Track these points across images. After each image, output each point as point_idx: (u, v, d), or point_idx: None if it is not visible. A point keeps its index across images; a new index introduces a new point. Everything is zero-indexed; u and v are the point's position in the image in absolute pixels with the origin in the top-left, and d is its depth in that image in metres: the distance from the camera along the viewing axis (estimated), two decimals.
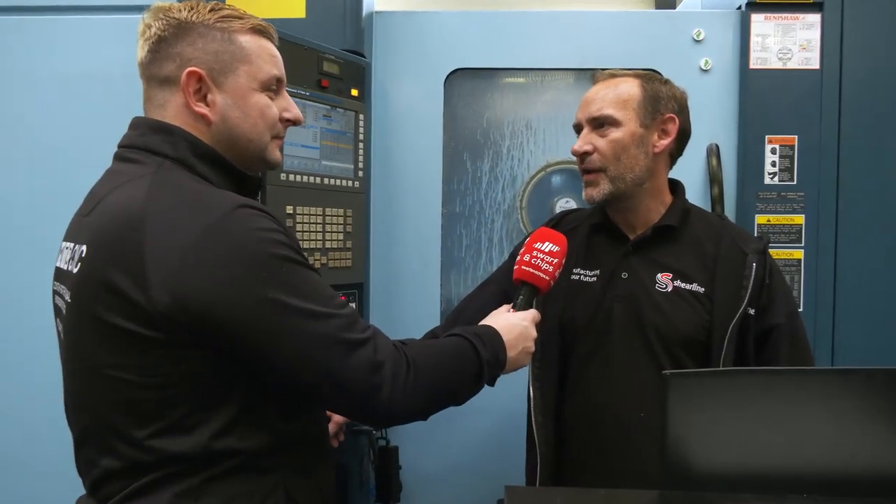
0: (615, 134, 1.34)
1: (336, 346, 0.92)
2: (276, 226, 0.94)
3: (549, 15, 1.95)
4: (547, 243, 1.24)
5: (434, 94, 1.94)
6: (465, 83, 2.00)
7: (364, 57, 1.84)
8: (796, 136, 1.84)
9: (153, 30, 1.00)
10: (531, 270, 1.23)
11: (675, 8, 5.37)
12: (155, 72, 1.01)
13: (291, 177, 1.60)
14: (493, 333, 1.13)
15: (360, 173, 1.79)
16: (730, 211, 1.86)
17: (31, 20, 1.78)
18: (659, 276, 1.34)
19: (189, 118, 1.00)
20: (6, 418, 1.75)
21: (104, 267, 0.90)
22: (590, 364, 1.37)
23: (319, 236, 1.66)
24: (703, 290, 1.32)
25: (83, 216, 1.01)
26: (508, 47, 1.93)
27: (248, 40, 1.01)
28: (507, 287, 1.45)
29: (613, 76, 1.39)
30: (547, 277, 1.23)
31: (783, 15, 1.85)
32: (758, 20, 1.86)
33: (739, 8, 1.89)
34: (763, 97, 1.85)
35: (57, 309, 1.05)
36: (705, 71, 1.90)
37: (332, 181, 1.71)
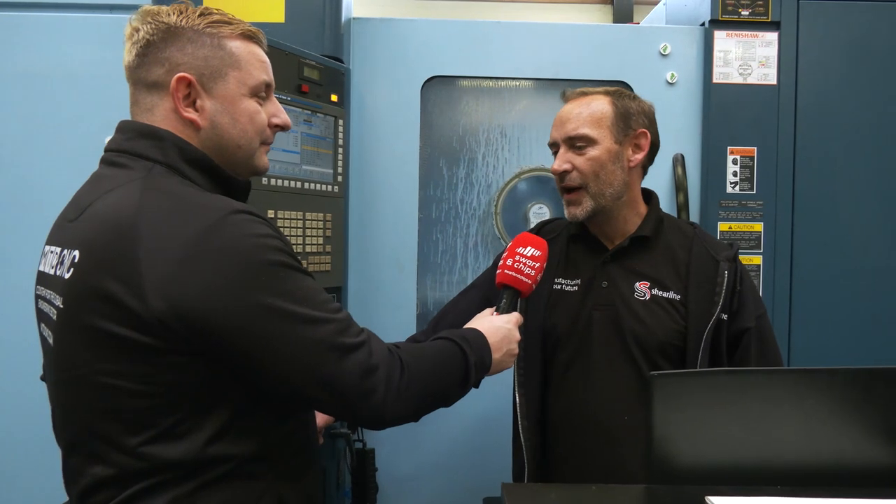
0: (592, 152, 1.38)
1: (331, 350, 0.93)
2: (272, 231, 0.94)
3: (524, 26, 2.00)
4: (529, 248, 1.29)
5: (411, 100, 1.97)
6: (441, 90, 2.04)
7: (343, 63, 1.86)
8: (756, 148, 1.94)
9: (141, 33, 0.99)
10: (514, 274, 1.27)
11: (632, 21, 5.54)
12: (143, 76, 1.00)
13: (273, 181, 1.60)
14: (478, 336, 1.15)
15: (340, 178, 1.81)
16: (694, 218, 1.94)
17: None
18: (637, 284, 1.40)
19: (178, 123, 0.99)
20: None
21: (98, 274, 0.88)
22: (572, 370, 1.41)
23: (300, 240, 1.67)
24: (678, 297, 1.38)
25: (69, 220, 0.99)
26: (484, 56, 1.98)
27: (237, 46, 1.01)
28: (489, 292, 1.48)
29: (584, 94, 1.43)
30: (529, 281, 1.27)
31: (743, 32, 1.95)
32: (720, 37, 1.96)
33: (703, 24, 1.98)
34: (725, 110, 1.94)
35: (42, 314, 1.02)
36: (671, 84, 1.98)
37: (313, 186, 1.72)
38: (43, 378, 1.18)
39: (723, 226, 1.94)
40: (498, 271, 1.30)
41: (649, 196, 1.50)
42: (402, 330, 1.88)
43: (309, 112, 1.71)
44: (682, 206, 1.91)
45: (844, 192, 1.93)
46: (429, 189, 2.04)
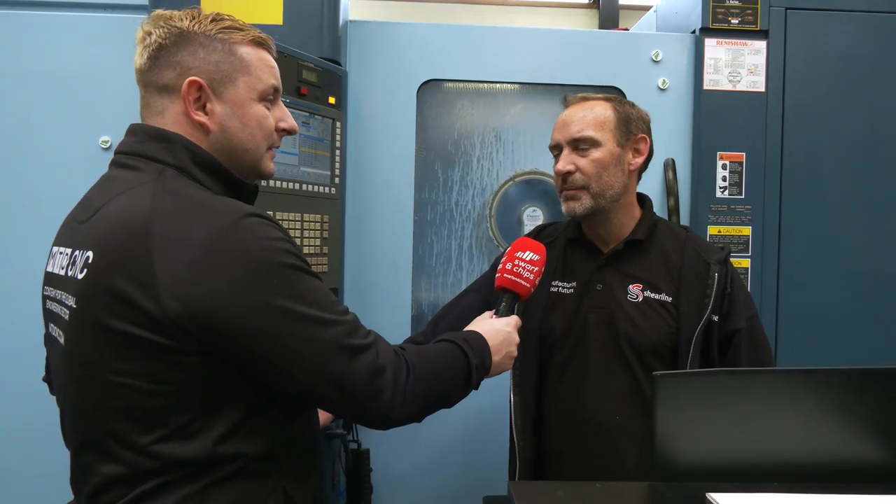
0: (596, 154, 1.41)
1: (340, 351, 0.94)
2: (282, 234, 0.96)
3: (519, 31, 2.03)
4: (528, 252, 1.31)
5: (407, 103, 1.98)
6: (436, 94, 2.05)
7: (340, 65, 1.87)
8: (744, 154, 1.98)
9: (153, 37, 1.00)
10: (513, 278, 1.29)
11: (618, 26, 5.60)
12: (154, 79, 1.01)
13: (272, 182, 1.60)
14: (479, 338, 1.17)
15: (337, 180, 1.82)
16: (685, 222, 1.98)
17: None
18: (630, 287, 1.43)
19: (187, 126, 1.01)
20: None
21: (112, 275, 0.89)
22: (567, 371, 1.44)
23: (297, 242, 1.67)
24: (670, 299, 1.41)
25: (80, 222, 1.00)
26: (479, 61, 1.99)
27: (248, 52, 1.03)
28: (487, 295, 1.50)
29: (586, 99, 1.47)
30: (528, 285, 1.29)
31: (733, 40, 1.99)
32: (710, 44, 2.00)
33: (694, 32, 2.02)
34: (715, 116, 1.98)
35: (51, 314, 1.03)
36: (663, 90, 2.02)
37: (310, 187, 1.73)
38: (44, 379, 1.18)
39: (712, 229, 1.98)
40: (497, 275, 1.31)
41: (643, 200, 1.53)
42: (398, 331, 1.90)
43: (307, 114, 1.71)
44: (673, 210, 1.94)
45: (831, 197, 1.98)
46: (424, 191, 2.06)
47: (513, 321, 1.26)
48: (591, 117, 1.43)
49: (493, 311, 1.28)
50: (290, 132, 1.11)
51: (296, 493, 1.01)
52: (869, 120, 1.99)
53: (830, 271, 1.97)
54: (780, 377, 1.05)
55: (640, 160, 1.46)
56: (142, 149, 1.00)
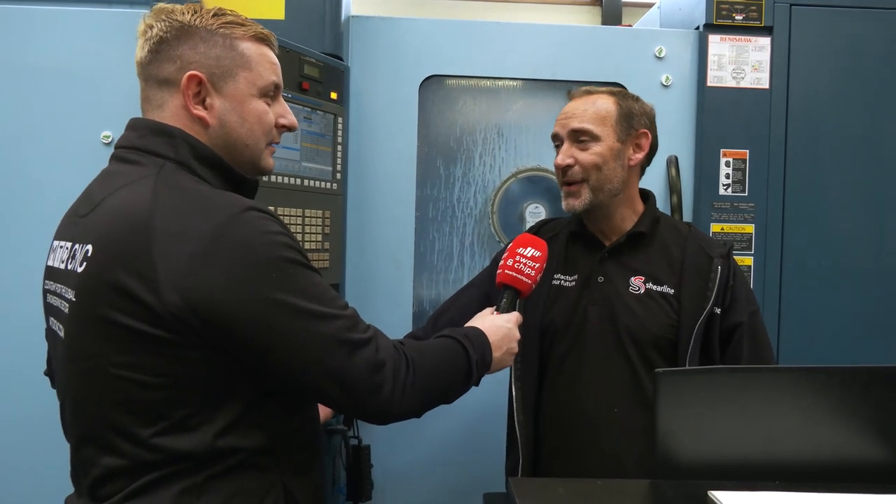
0: (596, 148, 1.41)
1: (340, 345, 0.94)
2: (282, 229, 0.96)
3: (522, 27, 2.02)
4: (529, 248, 1.30)
5: (409, 99, 1.97)
6: (438, 90, 2.05)
7: (342, 60, 1.86)
8: (748, 151, 1.97)
9: (154, 30, 1.00)
10: (514, 274, 1.29)
11: (621, 23, 5.58)
12: (154, 72, 1.01)
13: (273, 178, 1.60)
14: (480, 335, 1.17)
15: (338, 175, 1.81)
16: (687, 219, 1.97)
17: None
18: (632, 279, 1.43)
19: (187, 120, 1.01)
20: None
21: (112, 268, 0.90)
22: (566, 363, 1.44)
23: (299, 237, 1.67)
24: (672, 291, 1.41)
25: (80, 216, 1.00)
26: (482, 56, 1.99)
27: (249, 47, 1.03)
28: (488, 291, 1.50)
29: (589, 93, 1.47)
30: (529, 281, 1.29)
31: (737, 37, 1.98)
32: (714, 41, 1.99)
33: (698, 28, 2.01)
34: (718, 113, 1.97)
35: (52, 308, 1.03)
36: (666, 86, 2.01)
37: (312, 183, 1.72)
38: (46, 373, 1.18)
39: (715, 227, 1.97)
40: (498, 271, 1.31)
41: (647, 196, 1.53)
42: (399, 327, 1.90)
43: (309, 109, 1.71)
44: (676, 207, 1.94)
45: (834, 195, 1.97)
46: (426, 188, 2.05)
47: (514, 318, 1.26)
48: (593, 111, 1.43)
49: (495, 307, 1.28)
50: (290, 129, 1.11)
51: (296, 488, 1.01)
52: (874, 117, 1.98)
53: (833, 269, 1.97)
54: (782, 375, 1.05)
55: (640, 156, 1.46)
56: (142, 143, 1.00)
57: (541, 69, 2.00)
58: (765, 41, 1.98)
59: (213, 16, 1.02)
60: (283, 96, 1.58)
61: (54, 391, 1.07)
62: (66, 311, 0.96)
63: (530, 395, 1.45)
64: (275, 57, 1.08)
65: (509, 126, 2.06)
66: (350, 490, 1.85)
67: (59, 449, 1.05)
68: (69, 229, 1.02)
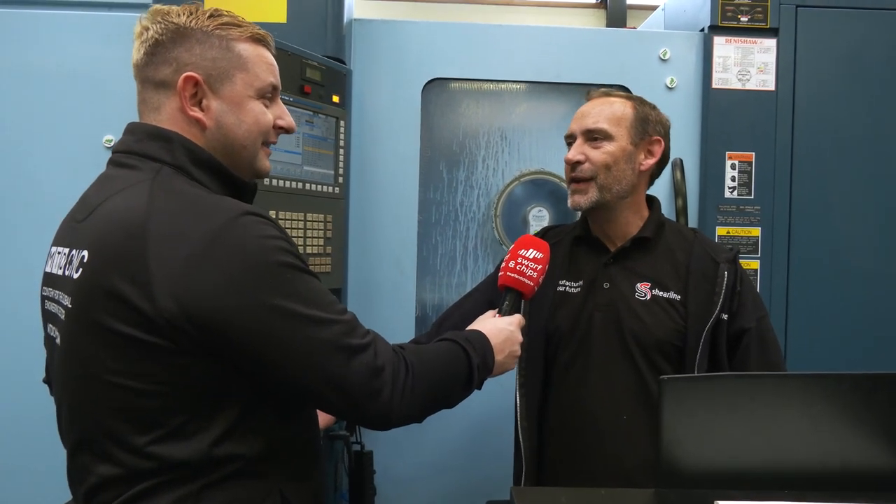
0: (608, 147, 1.41)
1: (339, 351, 0.93)
2: (280, 233, 0.95)
3: (525, 30, 2.01)
4: (531, 250, 1.29)
5: (411, 102, 1.96)
6: (441, 93, 2.04)
7: (344, 64, 1.85)
8: (754, 153, 1.95)
9: (150, 32, 0.99)
10: (516, 276, 1.28)
11: (625, 26, 5.57)
12: (150, 74, 1.00)
13: (274, 181, 1.59)
14: (481, 338, 1.16)
15: (340, 179, 1.80)
16: (692, 222, 1.96)
17: None
18: (638, 285, 1.42)
19: (184, 122, 1.00)
20: None
21: (107, 274, 0.89)
22: (571, 369, 1.43)
23: (300, 241, 1.66)
24: (678, 297, 1.40)
25: (77, 221, 1.00)
26: (485, 59, 1.98)
27: (245, 48, 1.02)
28: (492, 296, 1.49)
29: (608, 95, 1.48)
30: (531, 283, 1.28)
31: (742, 39, 1.97)
32: (719, 43, 1.97)
33: (703, 30, 2.00)
34: (724, 115, 1.95)
35: (50, 314, 1.02)
36: (671, 89, 1.99)
37: (314, 186, 1.71)
38: (45, 381, 1.18)
39: (721, 230, 1.95)
40: (500, 273, 1.30)
41: (651, 201, 1.52)
42: (402, 332, 1.88)
43: (311, 113, 1.70)
44: (681, 211, 1.92)
45: (841, 197, 1.95)
46: (429, 191, 2.04)
47: (516, 320, 1.24)
48: (609, 112, 1.43)
49: (497, 309, 1.27)
50: (288, 130, 1.10)
51: (293, 495, 1.00)
52: (880, 119, 1.96)
53: (841, 273, 1.94)
54: (789, 382, 1.03)
55: (651, 161, 1.45)
56: (140, 147, 0.99)
57: (545, 72, 1.99)
58: (770, 43, 1.96)
59: (210, 17, 1.01)
60: (285, 100, 1.59)
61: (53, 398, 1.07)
62: (63, 317, 0.95)
63: (534, 402, 1.44)
64: (272, 58, 1.06)
65: (513, 129, 2.05)
66: (352, 497, 1.84)
67: (60, 455, 1.04)
68: (67, 235, 1.02)
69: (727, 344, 1.38)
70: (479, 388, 1.14)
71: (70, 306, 0.93)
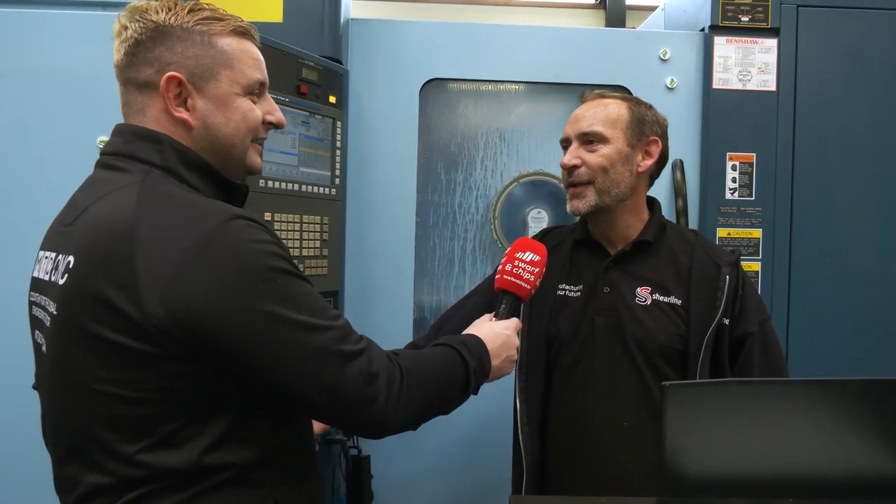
0: (604, 150, 1.39)
1: (332, 357, 0.91)
2: (270, 237, 0.92)
3: (524, 30, 1.99)
4: (528, 253, 1.27)
5: (409, 103, 1.94)
6: (439, 93, 2.02)
7: (341, 64, 1.83)
8: (755, 154, 1.94)
9: (129, 32, 0.96)
10: (513, 279, 1.26)
11: (625, 26, 5.55)
12: (132, 76, 0.97)
13: (270, 183, 1.57)
14: (477, 342, 1.14)
15: (337, 181, 1.78)
16: (693, 223, 1.94)
17: None
18: (638, 289, 1.40)
19: (169, 124, 0.97)
20: None
21: (94, 279, 0.86)
22: (573, 375, 1.41)
23: (296, 244, 1.64)
24: (679, 301, 1.38)
25: (65, 225, 0.97)
26: (483, 59, 1.96)
27: (229, 43, 0.98)
28: (490, 299, 1.47)
29: (602, 96, 1.45)
30: (528, 286, 1.26)
31: (743, 39, 1.95)
32: (720, 43, 1.95)
33: (703, 30, 1.98)
34: (724, 116, 1.94)
35: (36, 320, 1.00)
36: (671, 89, 1.97)
37: (310, 188, 1.69)
38: (34, 387, 1.15)
39: (721, 232, 1.93)
40: (497, 276, 1.29)
41: (652, 203, 1.50)
42: (399, 335, 1.86)
43: (307, 113, 1.68)
44: (682, 212, 1.90)
45: (843, 198, 1.94)
46: (426, 193, 2.02)
47: (513, 324, 1.22)
48: (604, 114, 1.41)
49: (493, 313, 1.25)
50: (277, 126, 1.07)
51: (288, 501, 0.98)
52: (882, 120, 1.94)
53: (843, 274, 1.93)
54: (794, 388, 1.01)
55: (649, 162, 1.43)
56: (128, 149, 0.96)
57: (543, 72, 1.97)
58: (771, 43, 1.94)
59: (189, 12, 0.97)
60: (281, 100, 1.57)
61: None
62: (48, 324, 0.93)
63: (535, 408, 1.42)
64: (258, 52, 1.03)
65: (511, 130, 2.03)
66: (350, 501, 1.82)
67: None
68: (54, 239, 0.99)
69: (729, 348, 1.37)
70: (476, 393, 1.13)
71: (55, 313, 0.91)
